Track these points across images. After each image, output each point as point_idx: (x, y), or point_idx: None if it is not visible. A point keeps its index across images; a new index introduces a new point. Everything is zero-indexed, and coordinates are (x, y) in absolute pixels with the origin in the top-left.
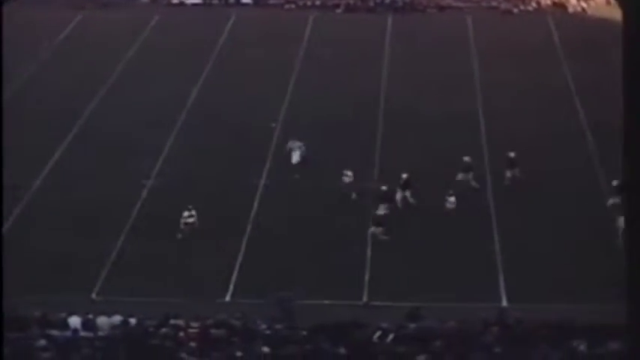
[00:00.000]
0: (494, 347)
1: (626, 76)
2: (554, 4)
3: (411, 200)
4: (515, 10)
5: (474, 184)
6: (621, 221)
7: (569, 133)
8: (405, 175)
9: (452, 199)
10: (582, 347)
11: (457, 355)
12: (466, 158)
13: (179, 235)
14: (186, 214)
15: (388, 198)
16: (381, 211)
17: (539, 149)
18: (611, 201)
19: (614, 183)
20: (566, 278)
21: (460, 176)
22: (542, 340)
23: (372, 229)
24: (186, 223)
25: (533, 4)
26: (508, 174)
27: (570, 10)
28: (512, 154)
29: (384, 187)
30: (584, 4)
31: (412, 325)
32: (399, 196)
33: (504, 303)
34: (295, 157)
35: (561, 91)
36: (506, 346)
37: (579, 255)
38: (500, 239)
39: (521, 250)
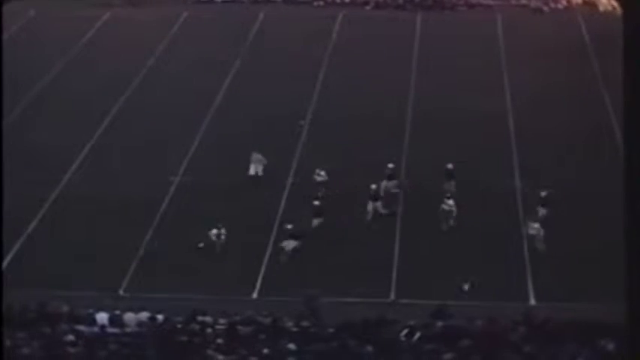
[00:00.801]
0: (522, 346)
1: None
2: (585, 2)
3: (382, 211)
4: (546, 9)
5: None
6: (532, 227)
7: (600, 132)
8: (374, 186)
9: (450, 201)
10: (610, 346)
11: (484, 354)
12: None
13: (201, 244)
14: (215, 231)
15: (320, 213)
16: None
17: (568, 148)
18: (541, 212)
19: (543, 194)
20: (594, 277)
21: (446, 185)
22: (570, 339)
23: (286, 244)
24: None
25: (564, 2)
26: (446, 186)
27: (601, 8)
28: (450, 166)
29: (316, 202)
30: (614, 3)
31: (439, 324)
32: (370, 207)
33: (532, 302)
34: (253, 170)
35: (592, 90)
36: (534, 345)
37: (607, 254)
38: (529, 238)
39: (549, 249)
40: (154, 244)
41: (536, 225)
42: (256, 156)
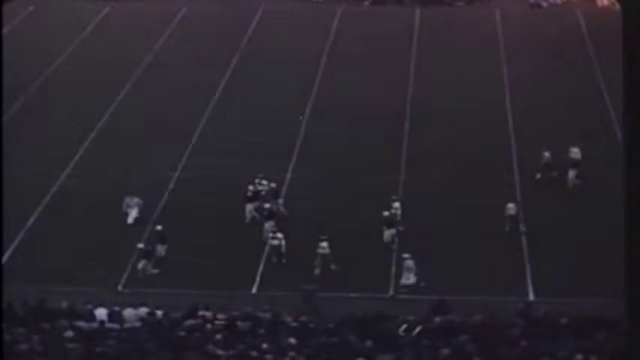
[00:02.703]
0: (521, 341)
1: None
2: None
3: (282, 210)
4: (544, 4)
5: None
6: (321, 247)
7: (598, 128)
8: (273, 185)
9: (396, 204)
10: (608, 340)
11: (483, 349)
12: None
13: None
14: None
15: (161, 238)
16: (143, 245)
17: (567, 144)
18: (389, 233)
19: (385, 214)
20: (593, 272)
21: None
22: (569, 334)
23: (140, 264)
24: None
25: None
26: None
27: (599, 3)
28: (273, 185)
29: (158, 227)
30: None
31: (438, 319)
32: (276, 205)
33: (531, 297)
34: (132, 216)
35: (590, 86)
36: (532, 340)
37: (606, 249)
38: (527, 234)
39: (548, 245)
40: (153, 239)
41: (324, 244)
42: (130, 200)
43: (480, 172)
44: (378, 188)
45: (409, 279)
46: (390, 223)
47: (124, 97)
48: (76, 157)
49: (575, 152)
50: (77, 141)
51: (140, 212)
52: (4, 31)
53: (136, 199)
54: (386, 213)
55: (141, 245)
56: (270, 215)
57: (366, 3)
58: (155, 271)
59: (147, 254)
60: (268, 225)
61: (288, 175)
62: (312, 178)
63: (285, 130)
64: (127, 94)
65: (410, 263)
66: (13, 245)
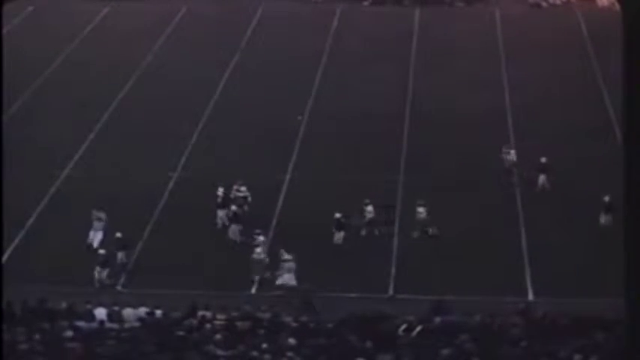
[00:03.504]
0: (521, 341)
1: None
2: None
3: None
4: (544, 4)
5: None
6: (284, 256)
7: (598, 129)
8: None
9: (369, 207)
10: (608, 341)
11: (483, 349)
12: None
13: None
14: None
15: (122, 246)
16: (104, 276)
17: (567, 145)
18: (337, 237)
19: (338, 215)
20: (593, 272)
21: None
22: (569, 334)
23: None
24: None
25: None
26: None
27: (599, 3)
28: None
29: (118, 234)
30: None
31: (438, 319)
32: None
33: (531, 297)
34: (94, 238)
35: (590, 87)
36: (532, 340)
37: (606, 249)
38: (527, 234)
39: (547, 245)
40: (153, 239)
41: (259, 249)
42: (97, 214)
43: (480, 172)
44: (378, 188)
45: (285, 279)
46: (341, 225)
47: (124, 97)
48: (76, 157)
49: (512, 154)
50: (77, 141)
51: (104, 231)
52: (4, 31)
53: (101, 214)
54: (337, 215)
55: (102, 251)
56: (236, 219)
57: (366, 3)
58: (110, 280)
59: (105, 262)
60: (233, 228)
61: (288, 175)
62: (312, 178)
63: (285, 130)
64: (127, 94)
65: (291, 265)
66: (13, 245)
